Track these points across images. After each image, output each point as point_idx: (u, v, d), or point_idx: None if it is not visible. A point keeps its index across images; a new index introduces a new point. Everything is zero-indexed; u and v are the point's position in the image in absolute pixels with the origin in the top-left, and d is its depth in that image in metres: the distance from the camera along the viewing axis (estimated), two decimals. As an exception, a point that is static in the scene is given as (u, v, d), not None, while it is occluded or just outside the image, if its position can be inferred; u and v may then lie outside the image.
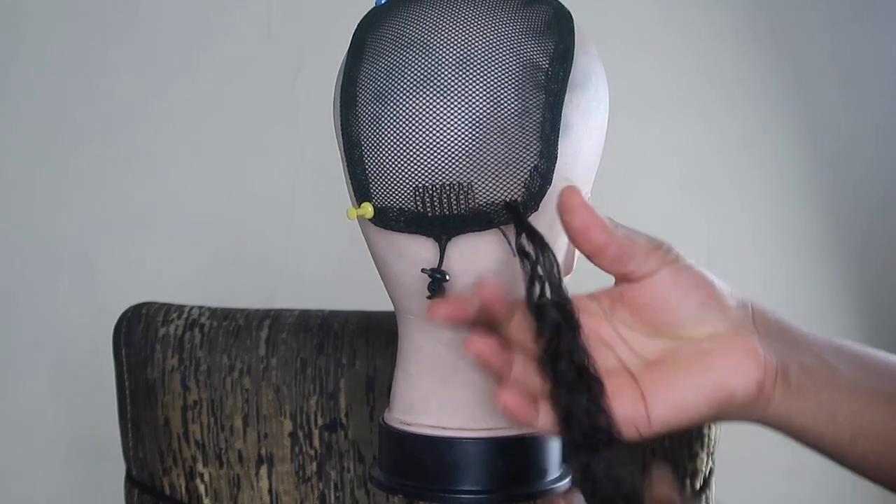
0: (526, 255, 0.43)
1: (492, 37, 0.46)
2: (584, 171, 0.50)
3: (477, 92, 0.45)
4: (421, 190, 0.46)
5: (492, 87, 0.46)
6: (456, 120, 0.45)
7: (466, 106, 0.45)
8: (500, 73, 0.46)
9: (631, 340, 0.44)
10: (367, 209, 0.48)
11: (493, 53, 0.46)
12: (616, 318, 0.44)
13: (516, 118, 0.46)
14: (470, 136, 0.45)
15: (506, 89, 0.46)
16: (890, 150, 1.06)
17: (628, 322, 0.44)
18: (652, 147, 1.04)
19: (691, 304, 0.43)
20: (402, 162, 0.46)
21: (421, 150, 0.46)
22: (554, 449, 0.52)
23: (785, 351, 0.43)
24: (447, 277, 0.47)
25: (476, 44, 0.46)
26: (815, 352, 0.44)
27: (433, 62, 0.46)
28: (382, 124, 0.47)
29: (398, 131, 0.46)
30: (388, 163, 0.47)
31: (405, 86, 0.46)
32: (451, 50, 0.46)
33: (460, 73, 0.46)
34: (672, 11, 1.05)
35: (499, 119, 0.45)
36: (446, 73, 0.46)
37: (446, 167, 0.46)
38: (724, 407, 0.42)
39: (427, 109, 0.46)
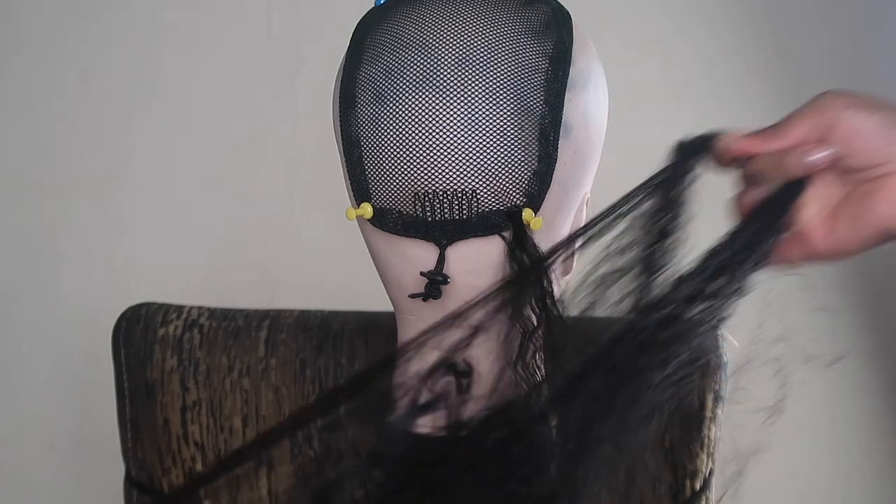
0: (518, 263, 0.45)
1: (491, 37, 0.46)
2: (583, 170, 0.50)
3: (476, 92, 0.45)
4: (421, 195, 0.46)
5: (491, 88, 0.45)
6: (455, 121, 0.45)
7: (465, 106, 0.45)
8: (499, 74, 0.45)
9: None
10: (367, 209, 0.47)
11: (492, 54, 0.46)
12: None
13: (515, 119, 0.45)
14: (469, 136, 0.45)
15: (505, 89, 0.45)
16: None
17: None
18: (653, 147, 1.04)
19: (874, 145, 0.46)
20: (401, 163, 0.46)
21: (420, 151, 0.46)
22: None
23: None
24: (447, 280, 0.47)
25: (475, 44, 0.46)
26: None
27: (432, 62, 0.46)
28: (382, 125, 0.47)
29: (397, 132, 0.46)
30: (387, 164, 0.47)
31: (404, 86, 0.46)
32: (450, 50, 0.46)
33: (459, 73, 0.45)
34: (672, 11, 1.05)
35: (498, 120, 0.45)
36: (445, 73, 0.46)
37: (445, 169, 0.46)
38: (885, 239, 0.48)
39: (426, 110, 0.45)
